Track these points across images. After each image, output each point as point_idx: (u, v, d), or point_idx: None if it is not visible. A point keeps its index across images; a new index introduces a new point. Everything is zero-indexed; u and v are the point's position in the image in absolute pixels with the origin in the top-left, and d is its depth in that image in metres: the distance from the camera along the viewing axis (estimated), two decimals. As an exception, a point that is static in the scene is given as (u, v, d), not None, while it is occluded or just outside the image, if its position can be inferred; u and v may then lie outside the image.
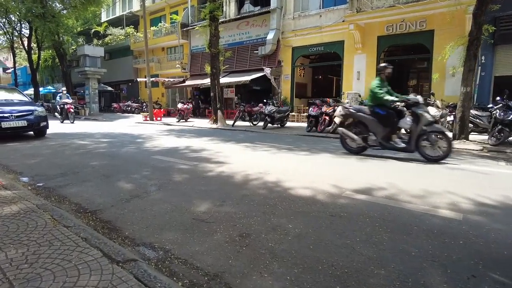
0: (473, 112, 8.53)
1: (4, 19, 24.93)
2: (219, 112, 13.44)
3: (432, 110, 8.27)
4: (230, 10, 18.42)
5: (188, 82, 20.37)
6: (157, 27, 23.85)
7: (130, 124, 14.73)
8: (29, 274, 1.74)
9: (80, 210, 3.04)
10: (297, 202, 3.24)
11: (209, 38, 13.16)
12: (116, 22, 28.23)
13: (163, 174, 4.47)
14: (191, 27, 20.41)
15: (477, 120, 8.74)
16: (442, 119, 8.50)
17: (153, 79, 19.83)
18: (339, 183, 3.95)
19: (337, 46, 14.56)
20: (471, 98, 8.16)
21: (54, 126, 11.87)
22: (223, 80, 16.10)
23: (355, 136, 5.98)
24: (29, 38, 24.62)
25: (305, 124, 11.70)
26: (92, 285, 1.65)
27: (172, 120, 16.38)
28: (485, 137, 8.20)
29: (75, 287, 1.64)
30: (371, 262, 2.08)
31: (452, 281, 1.88)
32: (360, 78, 13.83)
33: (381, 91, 5.65)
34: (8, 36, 26.79)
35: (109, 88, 27.98)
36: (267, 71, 15.96)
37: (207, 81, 15.81)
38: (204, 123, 14.36)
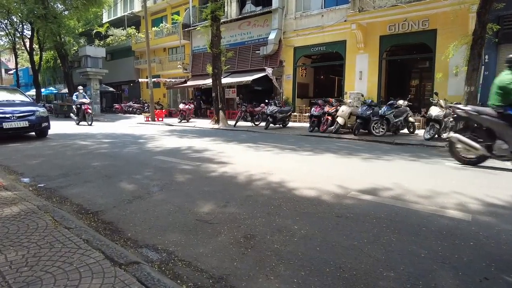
0: (477, 111, 8.44)
1: (6, 20, 25.00)
2: (221, 113, 13.40)
3: (436, 110, 8.21)
4: (232, 10, 18.39)
5: (189, 83, 20.35)
6: (159, 28, 23.87)
7: (131, 125, 14.71)
8: (29, 277, 1.69)
9: (81, 211, 3.00)
10: (302, 203, 3.19)
11: (211, 38, 13.13)
12: (117, 23, 28.27)
13: (165, 175, 4.42)
14: (192, 28, 20.39)
15: (481, 119, 8.64)
16: (446, 119, 8.42)
17: (155, 79, 19.83)
18: (344, 184, 3.89)
19: (339, 46, 14.50)
20: (475, 98, 8.09)
21: (65, 127, 11.87)
22: (225, 80, 16.06)
23: (477, 145, 4.87)
24: (31, 39, 24.70)
25: (307, 124, 11.65)
26: (94, 288, 1.60)
27: (174, 120, 16.35)
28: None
29: (77, 290, 1.59)
30: (380, 264, 2.03)
31: (464, 283, 1.82)
32: (362, 78, 13.76)
33: None
34: (10, 37, 26.89)
35: (111, 89, 27.99)
36: (269, 71, 15.91)
37: (208, 81, 15.78)
38: (205, 123, 14.32)
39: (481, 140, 4.89)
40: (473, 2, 9.25)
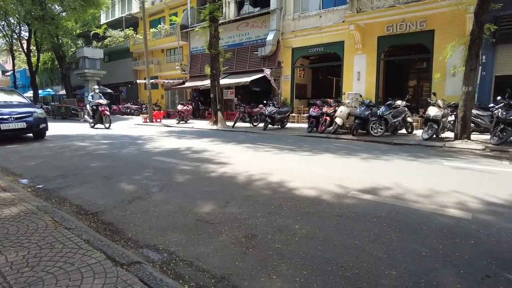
0: (474, 111, 8.49)
1: (3, 22, 24.92)
2: (219, 114, 13.39)
3: (434, 110, 8.24)
4: (230, 11, 18.40)
5: (187, 84, 20.33)
6: (157, 29, 23.84)
7: (129, 126, 14.67)
8: (30, 278, 1.68)
9: (81, 212, 2.98)
10: (303, 203, 3.19)
11: (209, 39, 13.12)
12: (115, 24, 28.19)
13: (165, 175, 4.41)
14: (190, 29, 20.38)
15: (479, 119, 8.70)
16: (444, 119, 8.46)
17: (153, 80, 19.77)
18: (344, 183, 3.90)
19: (337, 47, 14.53)
20: (473, 98, 8.13)
21: (63, 129, 11.77)
22: (223, 81, 16.06)
23: None
24: (28, 40, 24.58)
25: (305, 125, 11.66)
26: (96, 288, 1.59)
27: (172, 121, 16.32)
28: (486, 136, 8.17)
29: (78, 290, 1.58)
30: (382, 263, 2.03)
31: (466, 281, 1.83)
32: (360, 78, 13.79)
33: None
34: (7, 38, 26.80)
35: (109, 90, 27.88)
36: (267, 72, 15.92)
37: (206, 82, 15.77)
38: (204, 124, 14.30)
39: None
40: (471, 3, 9.31)
